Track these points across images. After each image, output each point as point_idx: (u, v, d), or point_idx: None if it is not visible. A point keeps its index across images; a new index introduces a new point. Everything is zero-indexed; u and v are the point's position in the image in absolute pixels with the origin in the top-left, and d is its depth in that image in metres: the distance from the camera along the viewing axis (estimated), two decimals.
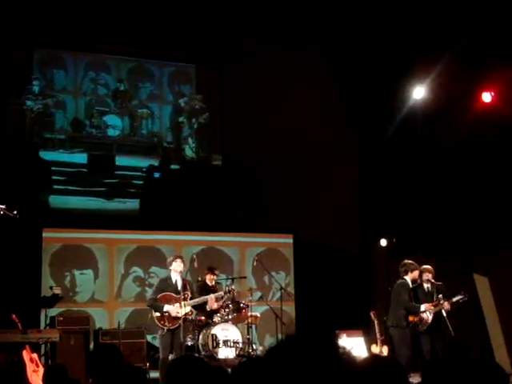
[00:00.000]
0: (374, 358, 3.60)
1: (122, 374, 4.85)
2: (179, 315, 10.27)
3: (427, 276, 11.06)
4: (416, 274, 11.00)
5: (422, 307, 10.73)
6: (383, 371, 2.97)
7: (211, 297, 11.17)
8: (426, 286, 11.09)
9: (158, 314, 10.32)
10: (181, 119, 14.64)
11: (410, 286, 10.97)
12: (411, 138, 14.05)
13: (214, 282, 11.83)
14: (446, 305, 10.77)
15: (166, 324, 10.25)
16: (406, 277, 11.00)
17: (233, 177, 14.51)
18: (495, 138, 12.92)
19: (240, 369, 4.18)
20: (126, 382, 4.74)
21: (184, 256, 11.46)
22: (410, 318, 10.80)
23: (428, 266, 11.18)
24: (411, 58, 13.41)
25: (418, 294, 11.04)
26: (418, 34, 13.35)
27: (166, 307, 10.27)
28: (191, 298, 10.57)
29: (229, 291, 11.51)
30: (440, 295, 10.79)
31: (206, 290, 11.46)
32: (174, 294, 10.42)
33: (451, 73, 12.82)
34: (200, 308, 11.15)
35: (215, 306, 11.39)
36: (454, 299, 10.89)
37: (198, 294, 11.15)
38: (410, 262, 11.15)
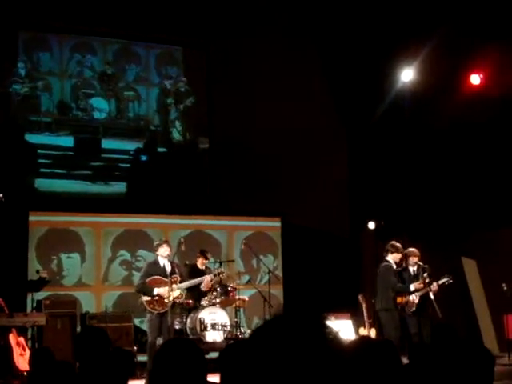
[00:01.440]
0: (364, 339, 3.58)
1: (110, 357, 4.82)
2: (170, 298, 10.22)
3: (413, 259, 11.04)
4: (397, 256, 10.96)
5: (412, 287, 10.73)
6: (376, 351, 2.95)
7: (207, 278, 11.14)
8: (412, 268, 11.06)
9: (147, 298, 10.22)
10: (168, 101, 14.56)
11: (394, 267, 10.96)
12: (399, 121, 14.04)
13: (204, 266, 11.79)
14: (435, 286, 10.76)
15: (156, 308, 10.17)
16: (387, 258, 10.99)
17: (220, 160, 14.47)
18: (484, 121, 12.91)
19: (227, 350, 4.16)
20: (113, 365, 4.71)
21: (172, 239, 11.40)
22: (398, 300, 10.81)
23: (413, 249, 11.15)
24: (399, 40, 13.36)
25: (403, 276, 11.02)
26: (406, 16, 13.29)
27: (156, 290, 10.18)
28: (181, 281, 10.52)
29: (218, 273, 11.46)
30: (425, 274, 10.79)
31: (195, 273, 11.42)
32: (163, 278, 10.35)
33: (440, 55, 12.79)
34: (188, 291, 11.12)
35: (208, 286, 11.40)
36: (440, 281, 10.88)
37: (187, 277, 11.11)
38: (393, 243, 11.13)
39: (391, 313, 10.78)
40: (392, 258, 10.97)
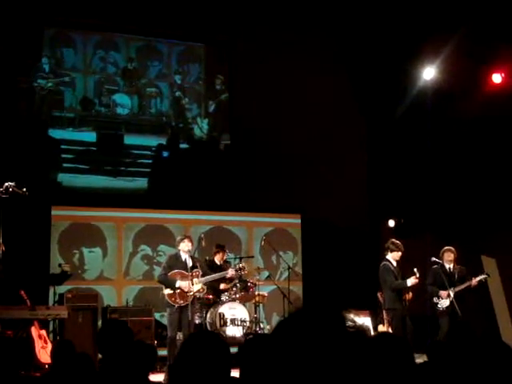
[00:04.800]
0: (382, 335, 3.63)
1: (132, 350, 4.88)
2: (191, 292, 10.28)
3: (449, 256, 11.09)
4: (397, 254, 10.98)
5: (408, 282, 10.70)
6: (391, 347, 2.99)
7: (228, 273, 11.21)
8: (447, 266, 11.11)
9: (169, 291, 10.28)
10: (188, 99, 14.62)
11: (394, 264, 10.97)
12: (420, 119, 14.01)
13: (222, 261, 11.85)
14: (474, 282, 10.86)
15: (178, 301, 10.22)
16: (387, 257, 11.03)
17: (241, 156, 14.51)
18: (505, 119, 12.88)
19: (246, 345, 4.21)
20: (136, 358, 4.77)
21: (192, 235, 11.46)
22: (404, 297, 10.83)
23: (450, 247, 11.20)
24: (421, 38, 13.34)
25: (440, 274, 11.01)
26: (428, 14, 13.28)
27: (179, 283, 10.25)
28: (202, 276, 10.59)
29: (240, 269, 11.53)
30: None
31: (213, 268, 11.48)
32: (185, 272, 10.41)
33: (461, 54, 12.77)
34: (208, 286, 11.19)
35: (222, 286, 11.48)
36: (478, 278, 10.94)
37: (209, 272, 11.16)
38: (393, 241, 11.17)
39: (393, 312, 10.82)
40: (392, 257, 11.00)
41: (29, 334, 10.31)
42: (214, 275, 10.94)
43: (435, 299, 10.98)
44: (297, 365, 1.78)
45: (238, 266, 11.62)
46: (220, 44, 14.92)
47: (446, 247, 11.22)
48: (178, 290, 10.25)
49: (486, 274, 11.16)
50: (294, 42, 14.57)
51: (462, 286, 10.86)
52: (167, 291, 10.30)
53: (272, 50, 14.40)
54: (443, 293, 10.86)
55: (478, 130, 13.26)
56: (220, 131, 14.77)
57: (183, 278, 10.33)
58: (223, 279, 11.44)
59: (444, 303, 10.88)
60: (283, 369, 1.79)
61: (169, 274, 10.38)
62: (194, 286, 10.31)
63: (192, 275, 10.33)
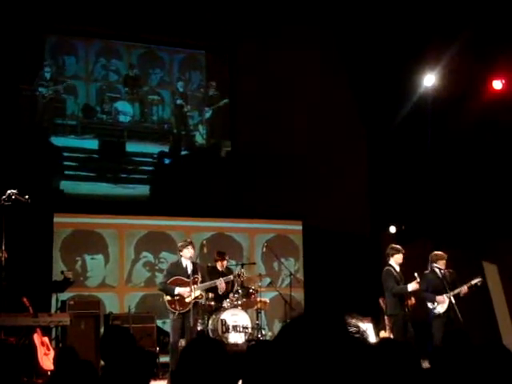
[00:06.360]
0: (388, 341, 3.64)
1: (134, 357, 4.90)
2: (190, 297, 10.31)
3: (442, 261, 11.08)
4: (399, 256, 10.99)
5: (409, 287, 10.72)
6: (397, 352, 3.00)
7: (220, 280, 11.20)
8: (438, 271, 11.11)
9: (169, 298, 10.33)
10: (190, 106, 14.67)
11: (397, 269, 10.98)
12: (421, 125, 14.05)
13: (224, 267, 11.87)
14: (465, 289, 10.84)
15: (178, 308, 10.26)
16: (390, 262, 11.04)
17: (243, 163, 14.54)
18: (505, 126, 12.92)
19: (249, 352, 4.22)
20: (137, 365, 4.79)
21: (194, 242, 11.49)
22: (406, 302, 10.83)
23: (440, 252, 11.19)
24: (422, 45, 13.38)
25: (433, 279, 11.01)
26: (429, 21, 13.32)
27: (177, 290, 10.29)
28: (201, 282, 10.61)
29: (238, 275, 11.56)
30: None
31: (215, 274, 11.50)
32: (184, 278, 10.44)
33: (462, 60, 12.81)
34: (211, 293, 11.20)
35: (224, 289, 11.49)
36: (473, 282, 10.93)
37: (208, 279, 11.19)
38: (392, 245, 11.21)
39: (394, 318, 10.83)
40: (394, 261, 11.01)
41: (31, 341, 10.31)
42: (210, 282, 10.95)
43: (430, 305, 10.94)
44: (300, 371, 1.77)
45: (236, 272, 11.65)
46: (220, 50, 14.96)
47: (438, 252, 11.20)
48: (178, 297, 10.29)
49: (481, 278, 11.14)
50: (294, 49, 14.61)
51: (458, 290, 10.84)
52: (167, 298, 10.35)
53: (274, 58, 14.44)
54: (440, 297, 10.85)
55: (479, 137, 13.29)
56: (219, 138, 14.81)
57: (183, 284, 10.37)
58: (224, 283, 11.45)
59: (440, 308, 10.86)
60: (286, 375, 1.78)
61: (169, 280, 10.43)
62: (194, 292, 10.33)
63: (192, 281, 10.36)
